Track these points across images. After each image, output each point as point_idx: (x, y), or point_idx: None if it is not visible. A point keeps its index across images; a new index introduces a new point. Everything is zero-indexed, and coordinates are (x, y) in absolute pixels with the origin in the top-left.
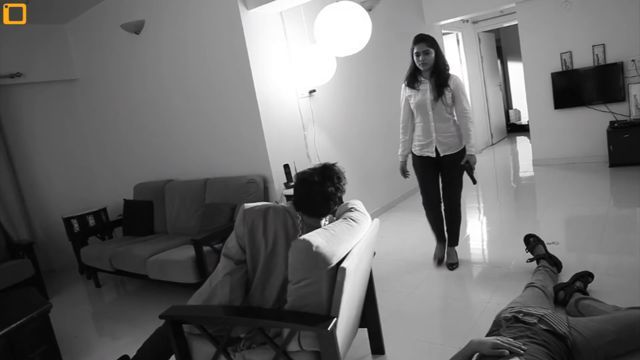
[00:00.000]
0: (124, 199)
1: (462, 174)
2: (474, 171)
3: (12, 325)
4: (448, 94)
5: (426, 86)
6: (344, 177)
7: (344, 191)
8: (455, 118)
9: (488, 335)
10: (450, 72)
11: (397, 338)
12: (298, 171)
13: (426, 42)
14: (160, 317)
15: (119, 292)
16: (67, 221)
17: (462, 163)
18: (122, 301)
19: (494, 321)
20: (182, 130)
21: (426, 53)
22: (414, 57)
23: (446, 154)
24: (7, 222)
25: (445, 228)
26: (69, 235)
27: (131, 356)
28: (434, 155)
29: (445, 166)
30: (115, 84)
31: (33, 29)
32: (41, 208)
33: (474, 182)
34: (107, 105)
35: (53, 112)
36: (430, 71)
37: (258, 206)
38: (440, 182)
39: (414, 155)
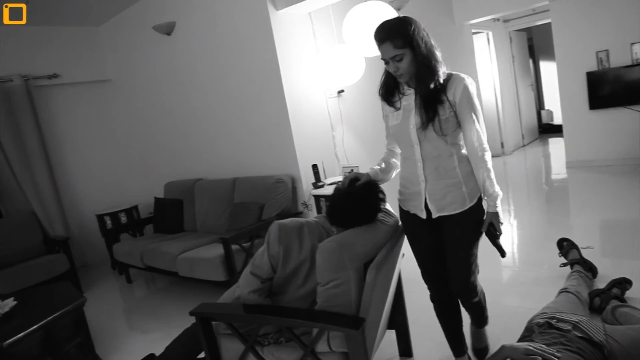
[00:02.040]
0: (155, 197)
1: (475, 234)
2: (499, 237)
3: (49, 318)
4: (445, 112)
5: (411, 100)
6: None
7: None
8: (464, 151)
9: (520, 341)
10: (452, 71)
11: (425, 341)
12: (335, 185)
13: (392, 42)
14: (191, 313)
15: (149, 288)
16: (100, 218)
17: (482, 230)
18: (152, 297)
19: (526, 327)
20: (211, 129)
21: (397, 60)
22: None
23: (443, 214)
24: (45, 218)
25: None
26: (101, 232)
27: (158, 353)
28: (423, 215)
29: (446, 223)
30: (147, 84)
31: (69, 32)
32: (76, 205)
33: (503, 253)
34: (138, 105)
35: (87, 112)
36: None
37: (293, 224)
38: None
39: (400, 206)
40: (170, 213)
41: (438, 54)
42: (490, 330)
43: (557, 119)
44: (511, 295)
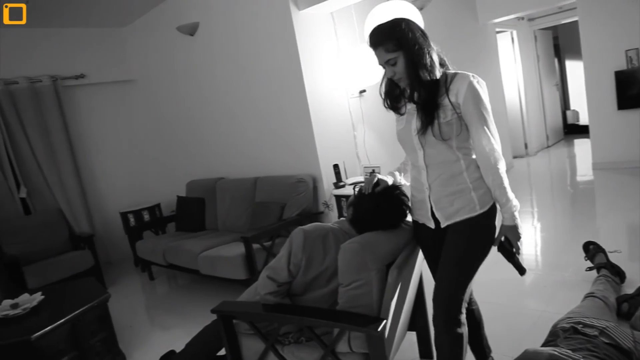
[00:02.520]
0: (177, 196)
1: (478, 250)
2: (519, 254)
3: (76, 312)
4: (447, 115)
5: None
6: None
7: None
8: (474, 156)
9: (544, 345)
10: (454, 69)
11: None
12: (359, 191)
13: (384, 46)
14: (212, 311)
15: (171, 286)
16: (124, 215)
17: (495, 245)
18: (174, 294)
19: (551, 331)
20: (233, 129)
21: (390, 64)
22: None
23: (450, 222)
24: (71, 215)
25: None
26: (125, 229)
27: (178, 350)
28: (432, 225)
29: (452, 231)
30: (170, 84)
31: (94, 33)
32: (100, 203)
33: (522, 271)
34: (162, 105)
35: (111, 111)
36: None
37: (318, 231)
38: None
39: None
40: (192, 211)
41: (433, 54)
42: (512, 334)
43: (584, 120)
44: (534, 299)
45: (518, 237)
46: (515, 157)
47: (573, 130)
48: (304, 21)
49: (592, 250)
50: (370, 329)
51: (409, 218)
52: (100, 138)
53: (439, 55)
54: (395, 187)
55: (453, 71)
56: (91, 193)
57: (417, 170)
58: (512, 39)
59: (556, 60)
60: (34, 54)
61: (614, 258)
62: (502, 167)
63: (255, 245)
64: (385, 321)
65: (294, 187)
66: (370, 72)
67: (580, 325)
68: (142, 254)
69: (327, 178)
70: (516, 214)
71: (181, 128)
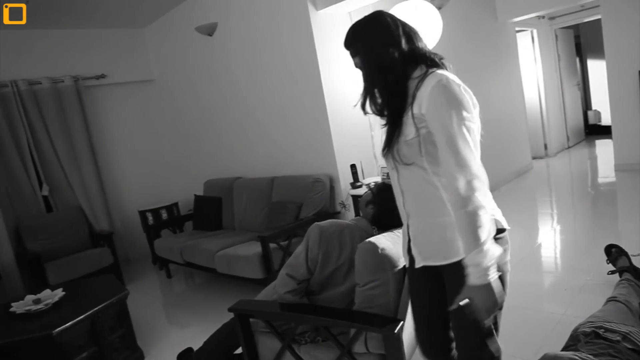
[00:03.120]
0: (195, 195)
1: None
2: (493, 319)
3: (95, 309)
4: (409, 132)
5: None
6: None
7: None
8: None
9: (564, 350)
10: (424, 69)
11: None
12: (377, 184)
13: (348, 50)
14: (230, 310)
15: (188, 284)
16: (142, 214)
17: (454, 305)
18: (191, 292)
19: (571, 335)
20: (251, 129)
21: (356, 65)
22: None
23: (427, 264)
24: (91, 213)
25: None
26: (143, 227)
27: (196, 347)
28: (405, 261)
29: (449, 281)
30: (189, 84)
31: (115, 34)
32: (119, 201)
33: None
34: (180, 104)
35: (131, 111)
36: None
37: (333, 227)
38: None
39: None
40: (210, 210)
41: (393, 54)
42: (531, 337)
43: (606, 120)
44: (554, 302)
45: (491, 306)
46: (534, 158)
47: (594, 130)
48: (322, 21)
49: (614, 253)
50: (387, 329)
51: None
52: (120, 137)
53: (424, 53)
54: None
55: (431, 71)
56: (111, 191)
57: (396, 193)
58: (532, 38)
59: (577, 60)
60: (57, 55)
61: (637, 262)
62: (473, 206)
63: (272, 245)
64: (402, 322)
65: (311, 186)
66: None
67: (602, 330)
68: (160, 252)
69: (344, 178)
70: (492, 270)
71: (199, 128)
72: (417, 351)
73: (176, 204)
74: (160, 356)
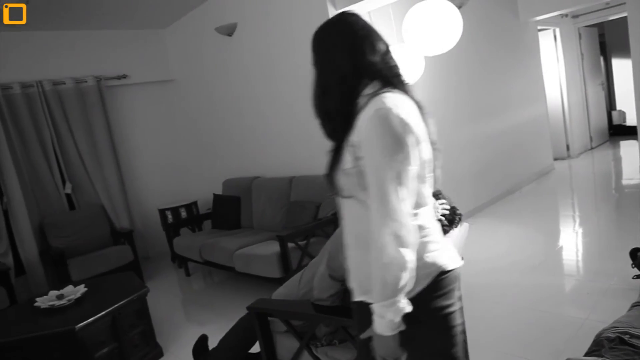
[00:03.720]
0: (214, 194)
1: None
2: None
3: (116, 305)
4: (347, 161)
5: None
6: None
7: None
8: None
9: (587, 355)
10: (376, 87)
11: (480, 348)
12: None
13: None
14: (248, 308)
15: (206, 282)
16: (162, 212)
17: (363, 335)
18: (210, 290)
19: (594, 340)
20: (269, 128)
21: None
22: None
23: (363, 299)
24: (112, 211)
25: None
26: (163, 226)
27: (210, 336)
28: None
29: (364, 312)
30: (209, 84)
31: (137, 34)
32: (140, 199)
33: None
34: (200, 104)
35: (151, 110)
36: None
37: None
38: None
39: None
40: (228, 209)
41: (344, 69)
42: (553, 342)
43: (631, 120)
44: (576, 306)
45: (386, 355)
46: (556, 159)
47: (619, 131)
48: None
49: (639, 257)
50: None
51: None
52: (141, 136)
53: (378, 69)
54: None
55: (381, 92)
56: (131, 190)
57: (341, 219)
58: (555, 37)
59: (602, 59)
60: (80, 56)
61: None
62: (389, 259)
63: (290, 244)
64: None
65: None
66: (408, 72)
67: (627, 336)
68: (179, 250)
69: None
70: (395, 324)
71: (218, 127)
72: None
73: (195, 203)
74: (179, 353)
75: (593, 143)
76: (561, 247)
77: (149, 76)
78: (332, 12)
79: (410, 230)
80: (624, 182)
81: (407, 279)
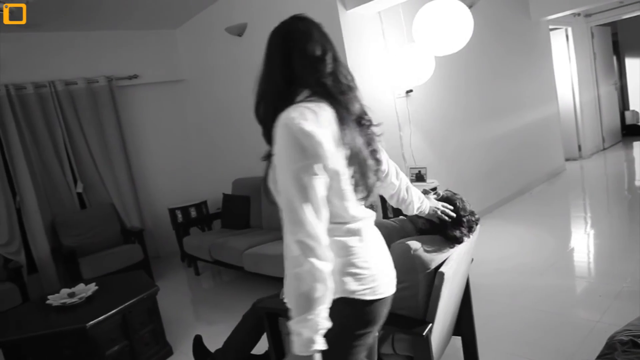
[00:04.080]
0: (223, 193)
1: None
2: None
3: (127, 303)
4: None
5: None
6: None
7: None
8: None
9: (599, 358)
10: (304, 96)
11: (492, 350)
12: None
13: None
14: (254, 305)
15: (215, 281)
16: (172, 212)
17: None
18: (219, 289)
19: (607, 343)
20: None
21: None
22: None
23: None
24: (123, 210)
25: None
26: (173, 225)
27: (204, 335)
28: None
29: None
30: (218, 84)
31: (148, 35)
32: (150, 199)
33: None
34: (210, 104)
35: (162, 110)
36: None
37: (382, 229)
38: None
39: None
40: (238, 209)
41: (276, 76)
42: (564, 344)
43: None
44: (588, 309)
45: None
46: (567, 159)
47: (632, 131)
48: (351, 21)
49: None
50: (415, 332)
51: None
52: (151, 136)
53: (304, 76)
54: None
55: (300, 103)
56: (141, 189)
57: None
58: (567, 36)
59: (615, 58)
60: (92, 56)
61: None
62: (300, 269)
63: None
64: (431, 325)
65: None
66: (418, 72)
67: None
68: (188, 249)
69: None
70: (316, 342)
71: (228, 127)
72: (446, 353)
73: (205, 203)
74: (188, 351)
75: (605, 143)
76: (573, 249)
77: (160, 76)
78: (342, 12)
79: (320, 241)
80: (637, 183)
81: (322, 290)
